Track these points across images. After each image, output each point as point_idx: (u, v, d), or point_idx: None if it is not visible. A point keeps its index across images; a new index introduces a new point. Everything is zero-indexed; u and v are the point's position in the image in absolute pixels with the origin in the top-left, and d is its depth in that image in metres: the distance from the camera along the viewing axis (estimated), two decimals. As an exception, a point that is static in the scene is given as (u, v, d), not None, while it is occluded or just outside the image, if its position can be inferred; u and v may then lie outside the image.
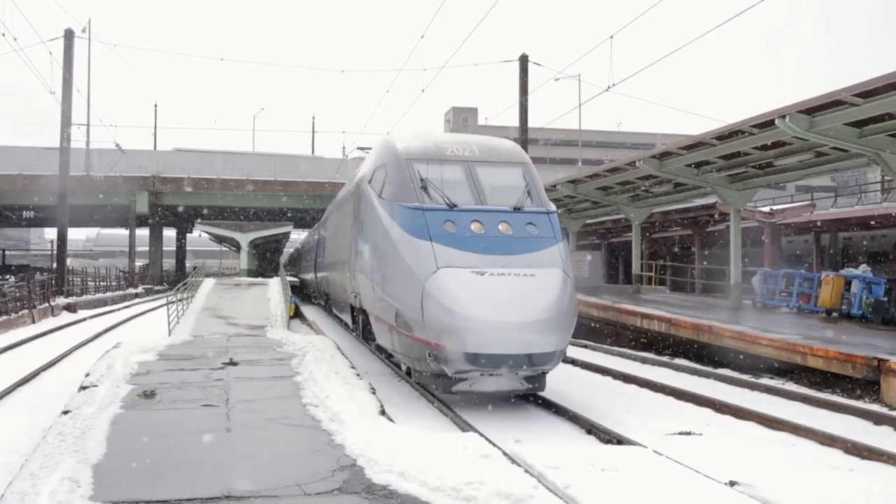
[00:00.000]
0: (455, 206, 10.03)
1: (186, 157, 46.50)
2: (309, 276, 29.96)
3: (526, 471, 6.23)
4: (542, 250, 9.78)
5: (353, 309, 14.79)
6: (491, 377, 9.17)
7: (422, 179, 10.30)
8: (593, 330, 19.48)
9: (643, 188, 22.85)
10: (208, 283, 27.28)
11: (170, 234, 59.41)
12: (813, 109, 13.09)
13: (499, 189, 10.59)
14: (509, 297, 8.95)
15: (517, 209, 10.27)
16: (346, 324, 18.71)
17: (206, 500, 5.24)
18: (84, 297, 32.32)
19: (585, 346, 17.62)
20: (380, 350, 13.24)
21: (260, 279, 34.49)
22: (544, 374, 9.64)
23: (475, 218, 9.91)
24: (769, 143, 15.61)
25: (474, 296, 8.86)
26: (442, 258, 9.25)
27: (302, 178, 46.05)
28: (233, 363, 11.31)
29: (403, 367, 11.34)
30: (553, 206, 10.77)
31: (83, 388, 9.27)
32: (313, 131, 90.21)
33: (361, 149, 21.49)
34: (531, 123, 30.53)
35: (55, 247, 34.03)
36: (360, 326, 14.27)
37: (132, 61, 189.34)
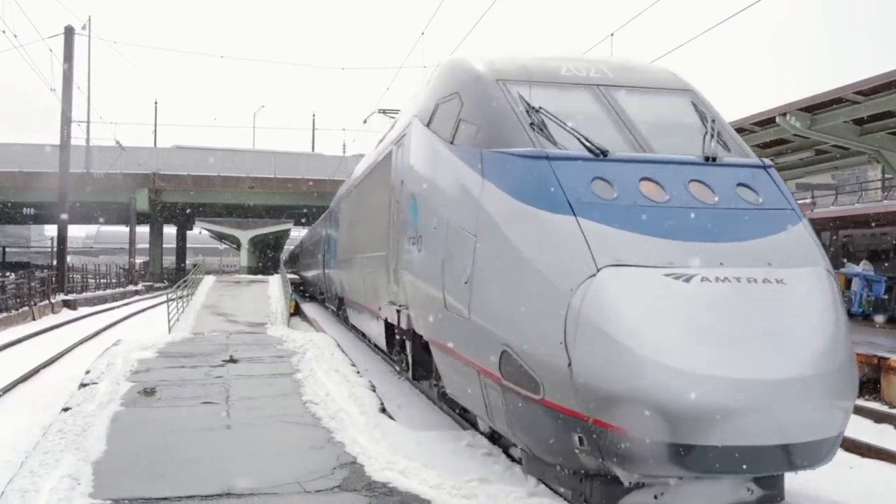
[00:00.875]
0: (605, 152, 5.77)
1: (186, 155, 46.56)
2: (312, 274, 28.47)
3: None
4: (781, 232, 5.51)
5: (390, 328, 9.91)
6: (699, 483, 5.01)
7: (531, 111, 6.14)
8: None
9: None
10: (208, 281, 27.34)
11: (170, 231, 59.50)
12: (814, 107, 13.10)
13: (662, 128, 6.42)
14: (747, 328, 4.76)
15: (711, 159, 5.95)
16: (360, 332, 14.82)
17: (207, 497, 5.23)
18: (84, 295, 32.35)
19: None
20: (447, 401, 8.35)
21: (260, 276, 34.61)
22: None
23: (645, 174, 5.64)
24: (770, 141, 15.62)
25: (682, 325, 4.70)
26: (602, 247, 5.03)
27: (302, 176, 46.08)
28: (233, 360, 11.31)
29: (483, 427, 7.16)
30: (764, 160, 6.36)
31: (83, 385, 9.27)
32: (314, 129, 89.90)
33: (383, 111, 15.66)
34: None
35: (55, 244, 34.05)
36: (409, 358, 8.91)
37: (132, 58, 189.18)
